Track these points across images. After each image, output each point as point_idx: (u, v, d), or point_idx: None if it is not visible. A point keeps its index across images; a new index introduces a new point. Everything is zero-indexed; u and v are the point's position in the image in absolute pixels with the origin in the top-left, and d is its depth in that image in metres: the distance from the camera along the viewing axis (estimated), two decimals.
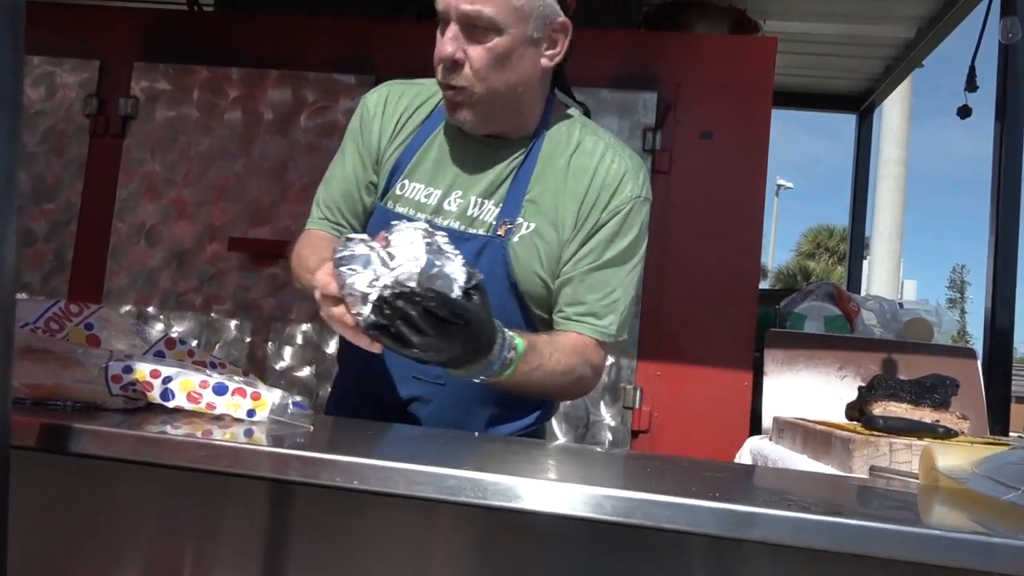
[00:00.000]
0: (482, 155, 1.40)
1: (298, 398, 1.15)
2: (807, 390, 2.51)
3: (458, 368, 1.16)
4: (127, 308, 2.84)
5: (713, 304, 2.68)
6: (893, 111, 13.52)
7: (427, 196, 1.39)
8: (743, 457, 2.19)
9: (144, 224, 2.87)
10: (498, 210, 1.37)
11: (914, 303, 2.83)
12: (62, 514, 1.06)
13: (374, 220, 1.42)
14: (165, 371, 1.11)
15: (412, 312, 1.06)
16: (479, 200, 1.38)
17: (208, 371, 1.22)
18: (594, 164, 1.38)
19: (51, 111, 2.94)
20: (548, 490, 0.85)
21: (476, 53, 1.30)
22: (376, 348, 1.13)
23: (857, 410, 1.96)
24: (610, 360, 2.67)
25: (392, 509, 0.96)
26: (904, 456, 1.44)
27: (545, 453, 1.21)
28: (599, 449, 2.19)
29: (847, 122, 4.73)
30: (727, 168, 2.74)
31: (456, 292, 1.09)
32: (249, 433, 1.03)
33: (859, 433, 1.55)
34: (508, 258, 1.34)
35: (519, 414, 1.46)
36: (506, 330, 1.20)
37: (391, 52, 2.83)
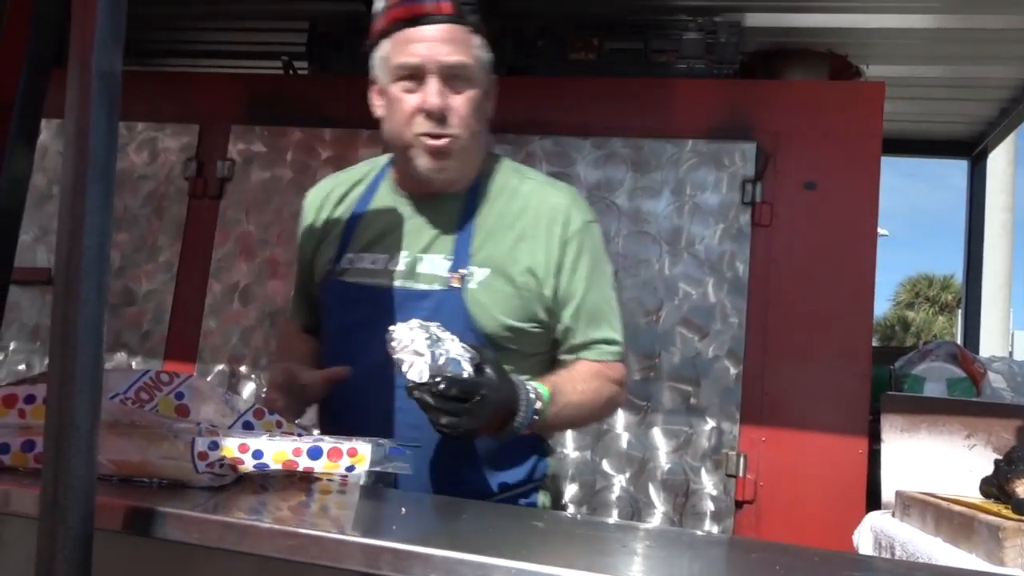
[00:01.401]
0: (419, 213, 1.44)
1: (392, 443, 1.12)
2: (931, 460, 2.30)
3: (492, 433, 1.24)
4: (220, 367, 2.86)
5: (821, 364, 2.51)
6: (997, 154, 12.91)
7: (373, 263, 1.43)
8: (863, 535, 2.01)
9: (238, 284, 2.90)
10: (448, 263, 1.39)
11: None
12: None
13: (330, 293, 1.48)
14: (254, 444, 1.06)
15: (430, 400, 1.15)
16: (425, 257, 1.41)
17: (299, 438, 1.17)
18: (535, 203, 1.42)
19: (153, 174, 3.03)
20: None
21: (459, 102, 1.36)
22: None
23: (995, 487, 1.77)
24: (710, 424, 2.53)
25: None
26: None
27: (649, 540, 1.10)
28: (701, 533, 2.04)
29: (944, 166, 4.49)
30: (833, 220, 2.59)
31: (467, 371, 1.18)
32: (342, 504, 1.02)
33: (1009, 519, 1.37)
34: (467, 306, 1.36)
35: (514, 460, 1.44)
36: (528, 384, 1.27)
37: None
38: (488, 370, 1.21)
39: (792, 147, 2.65)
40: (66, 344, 0.79)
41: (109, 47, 0.87)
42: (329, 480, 1.10)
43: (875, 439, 2.43)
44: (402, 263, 1.42)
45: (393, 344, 1.18)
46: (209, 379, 2.87)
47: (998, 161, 13.08)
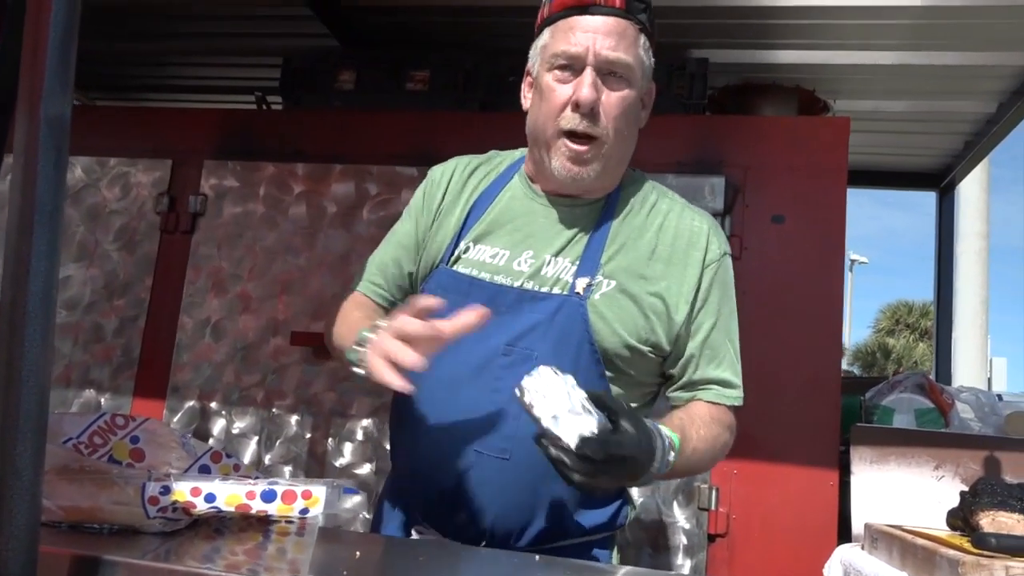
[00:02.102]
0: (553, 215, 1.35)
1: (347, 482, 1.10)
2: (900, 491, 2.31)
3: (630, 484, 1.20)
4: (191, 403, 2.83)
5: (792, 397, 2.52)
6: (971, 182, 13.11)
7: (493, 257, 1.33)
8: (833, 568, 2.01)
9: (209, 319, 2.89)
10: (574, 268, 1.30)
11: (1015, 395, 2.62)
12: None
13: (438, 283, 1.37)
14: (207, 488, 1.05)
15: (567, 460, 1.04)
16: (552, 259, 1.32)
17: (253, 481, 1.16)
18: (674, 223, 1.35)
19: (124, 209, 3.02)
20: None
21: (611, 101, 1.28)
22: (405, 386, 1.08)
23: (961, 519, 1.78)
24: None
25: None
26: None
27: None
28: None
29: (921, 194, 4.54)
30: (801, 253, 2.62)
31: (601, 426, 1.07)
32: (299, 547, 1.00)
33: (968, 552, 1.38)
34: (587, 316, 1.27)
35: (602, 500, 1.33)
36: (663, 431, 1.16)
37: (455, 142, 2.81)
38: (625, 424, 1.08)
39: (760, 181, 2.69)
40: (9, 389, 0.79)
41: (58, 92, 0.87)
42: (288, 522, 1.09)
43: (846, 470, 2.44)
44: (526, 262, 1.32)
45: (528, 389, 1.08)
46: (179, 416, 2.84)
47: (972, 188, 13.27)
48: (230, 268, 2.91)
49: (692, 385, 1.35)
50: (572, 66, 1.28)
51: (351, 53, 3.25)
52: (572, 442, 1.03)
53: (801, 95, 3.22)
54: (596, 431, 1.04)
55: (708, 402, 1.34)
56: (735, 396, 1.36)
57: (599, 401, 1.09)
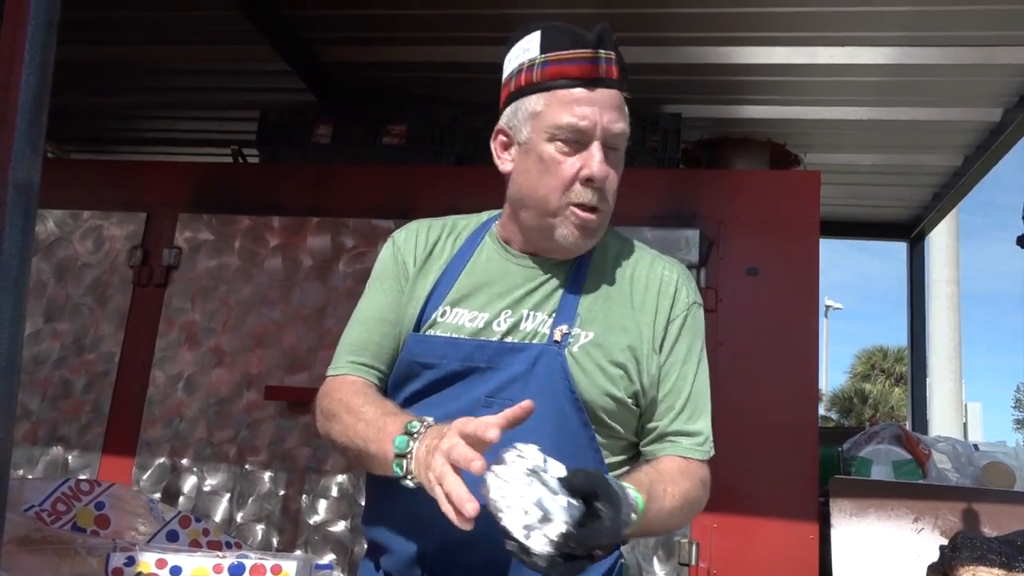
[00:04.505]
0: (529, 274, 1.35)
1: (322, 560, 1.07)
2: (880, 545, 2.30)
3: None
4: (161, 460, 2.78)
5: (770, 449, 2.52)
6: (941, 230, 13.34)
7: (472, 320, 1.31)
8: None
9: (182, 373, 2.84)
10: (551, 320, 1.29)
11: (991, 445, 2.63)
12: None
13: (411, 350, 1.32)
14: (172, 560, 1.02)
15: (542, 565, 0.96)
16: (530, 314, 1.31)
17: (223, 552, 1.13)
18: (645, 272, 1.36)
19: (97, 263, 2.98)
20: None
21: (613, 176, 1.29)
22: (468, 526, 0.98)
23: (941, 574, 1.77)
24: None
25: None
26: None
27: None
28: None
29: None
30: (776, 304, 2.64)
31: (575, 520, 0.98)
32: None
33: None
34: (566, 364, 1.25)
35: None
36: (628, 494, 1.08)
37: (431, 196, 2.84)
38: (602, 507, 1.00)
39: (734, 233, 2.71)
40: None
41: (28, 156, 0.86)
42: None
43: (825, 521, 2.43)
44: (505, 321, 1.30)
45: (493, 486, 0.99)
46: (148, 473, 2.78)
47: (942, 236, 13.51)
48: (204, 321, 2.87)
49: (661, 437, 1.32)
50: (578, 139, 1.27)
51: (328, 107, 3.27)
52: (545, 550, 0.96)
53: (773, 149, 3.28)
54: (572, 529, 0.97)
55: (678, 456, 1.30)
56: (704, 450, 1.32)
57: (574, 482, 1.01)
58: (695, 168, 3.30)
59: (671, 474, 1.25)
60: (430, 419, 1.13)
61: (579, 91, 1.27)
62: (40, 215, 2.98)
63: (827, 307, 32.04)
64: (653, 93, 3.13)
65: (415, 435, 1.11)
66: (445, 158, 3.06)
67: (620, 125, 1.28)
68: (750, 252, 2.69)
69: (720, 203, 2.75)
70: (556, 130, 1.27)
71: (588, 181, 1.26)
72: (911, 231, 4.33)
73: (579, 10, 2.58)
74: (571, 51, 1.28)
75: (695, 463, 1.30)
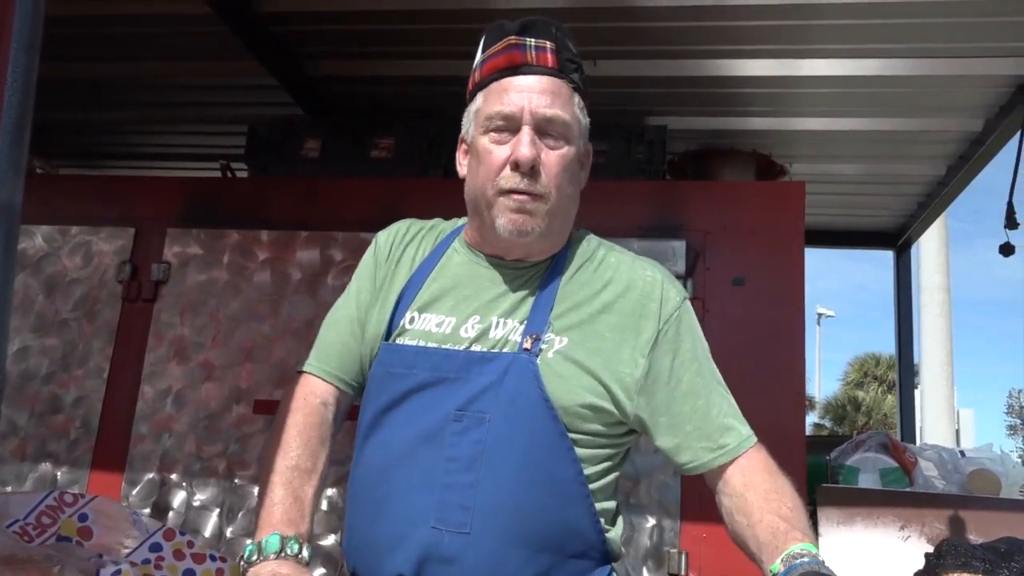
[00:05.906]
0: (499, 278, 1.31)
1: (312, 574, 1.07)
2: (868, 553, 2.31)
3: None
4: (150, 475, 2.77)
5: None
6: (931, 237, 13.42)
7: (439, 325, 1.28)
8: None
9: (171, 388, 2.84)
10: (522, 327, 1.25)
11: (977, 451, 2.65)
12: None
13: (381, 361, 1.31)
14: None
15: None
16: (500, 321, 1.27)
17: (207, 563, 1.14)
18: (626, 275, 1.31)
19: (86, 278, 2.98)
20: None
21: (551, 159, 1.25)
22: None
23: None
24: (651, 521, 2.51)
25: None
26: None
27: None
28: None
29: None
30: (762, 314, 2.65)
31: None
32: None
33: None
34: (538, 373, 1.21)
35: (583, 570, 1.24)
36: (815, 557, 1.13)
37: (419, 209, 2.83)
38: None
39: (720, 244, 2.73)
40: None
41: (9, 179, 0.87)
42: None
43: (813, 531, 2.43)
44: (473, 328, 1.27)
45: None
46: (138, 488, 2.77)
47: (931, 243, 13.57)
48: (193, 336, 2.88)
49: (710, 442, 1.28)
50: (508, 127, 1.26)
51: (316, 121, 3.29)
52: None
53: (758, 160, 3.31)
54: None
55: (739, 458, 1.28)
56: (750, 436, 1.31)
57: None
58: (681, 179, 3.33)
59: (771, 488, 1.28)
60: (272, 548, 1.15)
61: (508, 79, 1.27)
62: (28, 231, 2.99)
63: (820, 315, 32.11)
64: (639, 105, 3.16)
65: (252, 563, 1.14)
66: (433, 171, 3.08)
67: (553, 109, 1.25)
68: (736, 262, 2.71)
69: (706, 214, 2.77)
70: (488, 121, 1.27)
71: (516, 165, 1.24)
72: (897, 239, 4.37)
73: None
74: (499, 43, 1.30)
75: (756, 454, 1.31)
